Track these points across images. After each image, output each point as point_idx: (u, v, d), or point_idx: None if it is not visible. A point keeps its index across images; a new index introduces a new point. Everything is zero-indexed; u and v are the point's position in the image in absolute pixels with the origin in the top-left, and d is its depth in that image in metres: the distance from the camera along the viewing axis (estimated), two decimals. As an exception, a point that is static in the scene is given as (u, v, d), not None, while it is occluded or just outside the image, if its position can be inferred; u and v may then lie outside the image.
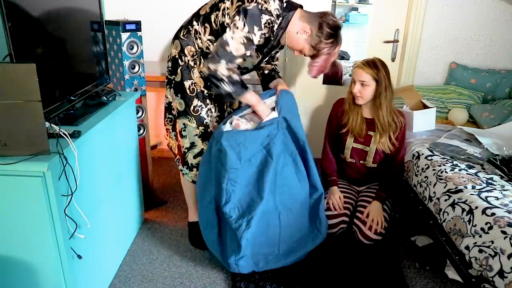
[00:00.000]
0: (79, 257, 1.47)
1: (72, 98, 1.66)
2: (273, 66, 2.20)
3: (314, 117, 3.29)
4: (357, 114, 2.18)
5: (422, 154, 2.18)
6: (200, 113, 1.99)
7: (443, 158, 2.09)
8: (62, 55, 1.64)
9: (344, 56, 4.42)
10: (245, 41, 1.74)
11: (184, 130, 2.04)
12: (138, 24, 2.17)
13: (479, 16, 2.95)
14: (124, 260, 2.05)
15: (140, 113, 2.33)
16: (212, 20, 1.86)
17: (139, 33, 2.18)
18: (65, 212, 1.37)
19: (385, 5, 3.03)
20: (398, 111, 2.23)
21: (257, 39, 1.76)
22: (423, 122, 2.49)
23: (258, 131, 1.86)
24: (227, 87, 1.79)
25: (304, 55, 1.91)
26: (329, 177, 2.29)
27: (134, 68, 2.22)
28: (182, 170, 2.14)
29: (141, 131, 2.38)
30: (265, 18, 1.74)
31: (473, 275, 1.57)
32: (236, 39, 1.74)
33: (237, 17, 1.73)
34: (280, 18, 1.81)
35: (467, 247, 1.59)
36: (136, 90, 2.25)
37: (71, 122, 1.58)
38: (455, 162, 2.04)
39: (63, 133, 1.38)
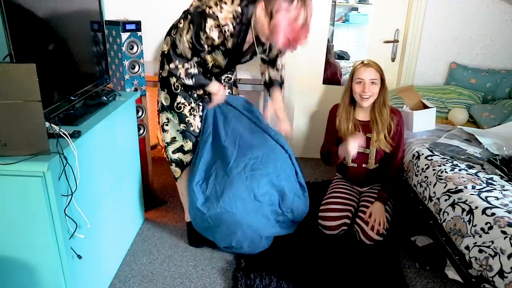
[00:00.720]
0: (79, 257, 1.47)
1: (72, 98, 1.66)
2: (275, 72, 2.13)
3: (314, 117, 3.29)
4: (350, 119, 2.19)
5: (422, 154, 2.18)
6: (183, 111, 2.02)
7: (443, 158, 2.09)
8: (62, 55, 1.63)
9: (344, 56, 4.43)
10: (191, 45, 1.76)
11: (167, 125, 2.09)
12: (138, 24, 2.17)
13: (479, 16, 2.95)
14: (124, 260, 2.05)
15: (140, 113, 2.33)
16: (188, 16, 1.86)
17: (139, 33, 2.18)
18: (65, 212, 1.37)
19: (385, 5, 3.03)
20: (394, 108, 2.24)
21: (204, 43, 1.75)
22: (423, 122, 2.49)
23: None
24: (187, 81, 1.89)
25: (270, 39, 1.71)
26: (331, 148, 2.23)
27: (134, 68, 2.22)
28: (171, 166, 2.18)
29: (141, 131, 2.38)
30: (210, 22, 1.70)
31: (473, 275, 1.57)
32: (182, 43, 1.77)
33: (182, 21, 1.75)
34: (238, 19, 1.74)
35: (467, 247, 1.59)
36: (136, 90, 2.25)
37: (71, 122, 1.58)
38: (455, 162, 2.04)
39: (63, 133, 1.38)
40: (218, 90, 2.00)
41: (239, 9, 1.73)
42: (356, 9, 4.76)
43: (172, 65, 1.86)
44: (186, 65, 1.85)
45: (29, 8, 1.38)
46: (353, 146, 2.01)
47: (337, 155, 2.17)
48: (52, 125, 1.40)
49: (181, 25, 1.78)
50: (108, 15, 2.72)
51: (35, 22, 1.42)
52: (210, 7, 1.71)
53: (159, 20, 2.85)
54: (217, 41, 1.78)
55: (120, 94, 2.03)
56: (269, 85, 2.14)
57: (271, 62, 2.11)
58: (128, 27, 2.13)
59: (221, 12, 1.70)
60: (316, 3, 2.95)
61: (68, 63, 1.68)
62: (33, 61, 1.19)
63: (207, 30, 1.72)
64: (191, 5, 1.85)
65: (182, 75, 1.86)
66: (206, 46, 1.80)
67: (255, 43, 1.86)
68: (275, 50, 2.05)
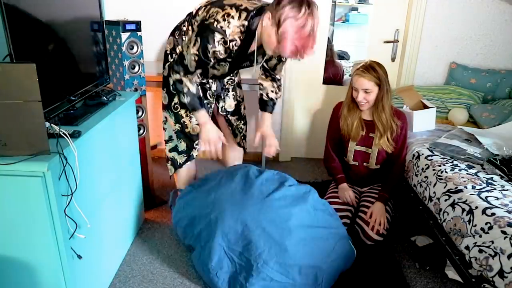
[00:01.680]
0: (79, 257, 1.47)
1: (72, 98, 1.66)
2: (272, 88, 2.13)
3: (314, 117, 3.29)
4: (355, 118, 2.18)
5: (422, 154, 2.18)
6: (179, 111, 2.04)
7: (443, 158, 2.09)
8: (62, 55, 1.64)
9: (344, 56, 4.43)
10: (197, 58, 1.75)
11: (165, 123, 2.15)
12: (138, 24, 2.17)
13: (479, 16, 2.95)
14: (124, 260, 2.05)
15: (140, 113, 2.33)
16: (193, 24, 1.87)
17: (139, 33, 2.18)
18: (65, 212, 1.37)
19: (385, 5, 3.03)
20: (399, 111, 2.23)
21: (210, 54, 1.74)
22: (423, 122, 2.49)
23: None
24: (183, 98, 1.90)
25: (277, 46, 1.68)
26: (336, 176, 2.31)
27: (134, 68, 2.22)
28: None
29: (141, 131, 2.38)
30: (218, 37, 1.69)
31: (473, 275, 1.57)
32: (189, 55, 1.76)
33: (191, 33, 1.75)
34: (244, 33, 1.74)
35: (467, 247, 1.59)
36: (136, 90, 2.25)
37: (71, 122, 1.58)
38: (455, 162, 2.04)
39: (63, 133, 1.38)
40: (204, 122, 1.95)
41: (245, 23, 1.71)
42: (356, 9, 4.77)
43: (177, 76, 1.86)
44: (188, 82, 1.85)
45: (29, 8, 1.38)
46: (348, 194, 2.21)
47: (336, 174, 2.31)
48: (52, 125, 1.40)
49: (187, 37, 1.78)
50: (108, 15, 2.72)
51: (35, 22, 1.42)
52: (218, 21, 1.68)
53: (159, 20, 2.86)
54: (223, 55, 1.78)
55: (120, 94, 2.03)
56: (263, 103, 2.14)
57: (271, 71, 2.10)
58: (128, 27, 2.13)
59: (228, 27, 1.68)
60: (316, 3, 2.97)
61: (68, 63, 1.68)
62: (33, 61, 1.19)
63: (215, 44, 1.71)
64: (197, 12, 1.83)
65: (184, 89, 1.87)
66: (212, 59, 1.79)
67: (255, 52, 1.86)
68: (274, 59, 2.05)
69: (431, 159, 2.10)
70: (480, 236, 1.54)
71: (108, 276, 1.88)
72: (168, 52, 2.01)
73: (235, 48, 1.77)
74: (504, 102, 2.81)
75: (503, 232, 1.46)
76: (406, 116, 2.24)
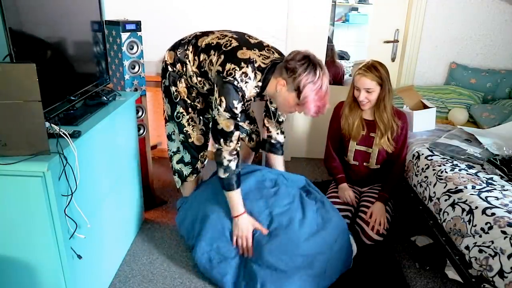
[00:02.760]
0: (79, 257, 1.47)
1: (72, 98, 1.66)
2: (277, 131, 2.17)
3: (315, 117, 3.28)
4: (356, 117, 2.18)
5: (422, 154, 2.18)
6: (181, 121, 2.02)
7: (443, 158, 2.09)
8: (62, 55, 1.64)
9: (344, 56, 4.43)
10: (228, 117, 1.74)
11: (173, 134, 2.11)
12: (138, 24, 2.17)
13: (479, 16, 2.95)
14: (124, 260, 2.05)
15: (140, 113, 2.33)
16: (201, 59, 1.87)
17: (139, 33, 2.18)
18: (65, 212, 1.37)
19: (385, 5, 3.03)
20: (399, 111, 2.23)
21: (239, 111, 1.75)
22: (423, 122, 2.48)
23: None
24: (221, 173, 1.82)
25: (295, 108, 1.78)
26: (336, 176, 2.31)
27: (134, 68, 2.22)
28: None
29: (141, 131, 2.38)
30: (240, 94, 1.72)
31: (473, 275, 1.57)
32: (222, 117, 1.74)
33: (216, 95, 1.74)
34: (258, 92, 1.81)
35: (467, 247, 1.59)
36: (136, 90, 2.25)
37: (71, 122, 1.58)
38: (455, 162, 2.04)
39: (63, 133, 1.38)
40: (239, 214, 1.84)
41: (260, 84, 1.77)
42: (356, 9, 4.77)
43: (216, 146, 1.81)
44: (228, 154, 1.80)
45: (29, 8, 1.38)
46: (348, 194, 2.21)
47: (336, 174, 2.31)
48: (52, 125, 1.40)
49: (216, 101, 1.75)
50: (108, 15, 2.72)
51: (35, 22, 1.42)
52: (237, 81, 1.70)
53: (159, 20, 2.86)
54: (239, 111, 1.77)
55: (120, 94, 2.03)
56: (272, 146, 2.18)
57: (275, 113, 2.12)
58: (128, 27, 2.13)
59: (246, 87, 1.73)
60: (316, 3, 2.97)
61: (68, 63, 1.68)
62: (33, 61, 1.19)
63: (239, 99, 1.72)
64: (207, 51, 1.83)
65: (224, 162, 1.80)
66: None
67: (268, 106, 2.03)
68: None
69: (431, 159, 2.10)
70: (480, 236, 1.54)
71: (108, 276, 1.88)
72: (168, 63, 1.97)
73: (248, 106, 1.89)
74: (504, 102, 2.80)
75: (503, 232, 1.46)
76: (406, 116, 2.24)
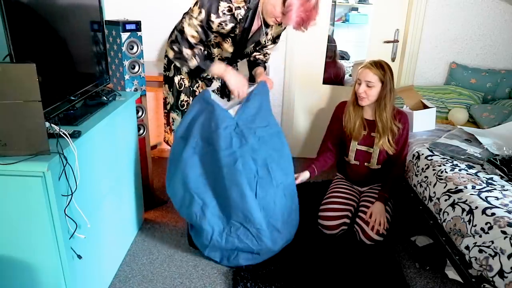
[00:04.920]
0: (79, 257, 1.47)
1: (72, 98, 1.66)
2: (262, 56, 2.16)
3: (314, 117, 3.29)
4: (358, 117, 2.18)
5: (422, 154, 2.18)
6: (186, 109, 2.03)
7: (443, 158, 2.09)
8: (62, 55, 1.63)
9: (344, 56, 4.42)
10: (200, 28, 1.72)
11: (173, 124, 2.12)
12: (138, 24, 2.17)
13: (479, 16, 2.95)
14: (124, 260, 2.05)
15: (140, 113, 2.33)
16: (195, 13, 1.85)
17: (139, 33, 2.18)
18: (65, 212, 1.37)
19: (385, 5, 3.03)
20: (401, 112, 2.23)
21: (214, 26, 1.73)
22: (423, 122, 2.49)
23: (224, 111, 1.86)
24: (194, 61, 1.82)
25: (282, 19, 1.75)
26: (311, 164, 2.27)
27: (134, 68, 2.22)
28: None
29: (141, 131, 2.38)
30: (223, 5, 1.69)
31: (473, 275, 1.57)
32: (191, 26, 1.73)
33: (194, 4, 1.72)
34: (248, 2, 1.76)
35: (467, 247, 1.59)
36: (136, 90, 2.25)
37: (71, 122, 1.58)
38: (455, 162, 2.04)
39: (63, 133, 1.38)
40: (225, 70, 1.86)
41: None
42: (356, 9, 4.76)
43: (176, 47, 1.80)
44: (190, 52, 1.80)
45: (29, 8, 1.38)
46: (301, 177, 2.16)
47: (312, 163, 2.27)
48: (52, 125, 1.39)
49: (190, 11, 1.73)
50: (108, 15, 2.72)
51: (35, 22, 1.42)
52: None
53: (159, 20, 2.86)
54: (228, 26, 1.75)
55: (120, 94, 2.03)
56: (253, 64, 2.15)
57: (263, 49, 2.13)
58: (128, 27, 2.12)
59: None
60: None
61: (68, 63, 1.68)
62: (33, 61, 1.19)
63: (220, 13, 1.69)
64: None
65: (189, 55, 1.80)
66: (213, 35, 1.76)
67: (263, 28, 1.88)
68: (269, 36, 2.06)
69: (431, 159, 2.10)
70: (480, 236, 1.54)
71: (108, 276, 1.88)
72: (171, 57, 2.00)
73: (240, 17, 1.78)
74: (504, 102, 2.81)
75: (503, 232, 1.46)
76: (407, 116, 2.24)
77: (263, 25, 1.88)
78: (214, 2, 1.69)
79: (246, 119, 1.87)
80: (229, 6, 1.70)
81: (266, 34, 1.96)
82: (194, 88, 2.07)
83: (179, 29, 1.81)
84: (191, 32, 1.76)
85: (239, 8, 1.74)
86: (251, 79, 2.16)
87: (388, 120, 2.12)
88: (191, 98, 2.05)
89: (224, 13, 1.72)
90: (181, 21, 1.92)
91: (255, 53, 2.16)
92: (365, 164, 2.26)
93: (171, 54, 1.91)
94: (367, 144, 2.22)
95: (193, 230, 2.03)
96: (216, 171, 1.84)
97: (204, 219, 1.85)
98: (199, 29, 1.75)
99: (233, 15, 1.74)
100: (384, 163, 2.25)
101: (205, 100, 1.86)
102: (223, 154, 1.80)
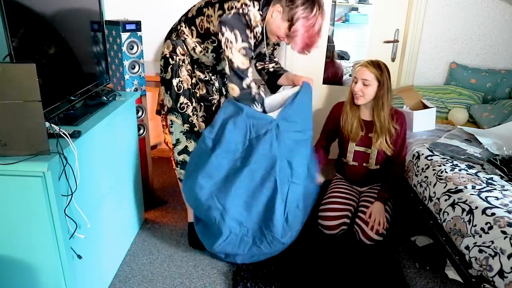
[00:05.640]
0: (79, 257, 1.47)
1: (72, 98, 1.66)
2: (275, 64, 2.18)
3: (314, 117, 3.26)
4: (355, 117, 2.18)
5: (422, 154, 2.18)
6: (186, 111, 2.03)
7: (443, 158, 2.09)
8: (62, 55, 1.63)
9: (344, 56, 4.42)
10: (244, 51, 1.75)
11: (172, 127, 2.10)
12: (138, 24, 2.17)
13: (479, 16, 2.95)
14: (124, 260, 2.05)
15: (140, 113, 2.33)
16: (197, 24, 1.91)
17: (139, 33, 2.18)
18: (65, 212, 1.37)
19: (385, 5, 3.03)
20: (398, 112, 2.23)
21: (252, 42, 1.77)
22: (423, 122, 2.49)
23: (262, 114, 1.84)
24: (257, 107, 1.85)
25: (285, 38, 1.80)
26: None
27: (134, 68, 2.22)
28: (175, 169, 2.17)
29: (141, 131, 2.38)
30: (247, 19, 1.74)
31: (473, 275, 1.57)
32: (236, 53, 1.75)
33: (225, 32, 1.74)
34: (262, 21, 1.81)
35: (467, 247, 1.59)
36: (136, 90, 2.25)
37: (71, 122, 1.58)
38: (455, 162, 2.04)
39: (63, 133, 1.38)
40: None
41: (260, 12, 1.78)
42: (356, 9, 4.76)
43: (238, 85, 1.79)
44: (253, 83, 1.82)
45: (29, 8, 1.38)
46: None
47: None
48: (52, 125, 1.40)
49: (227, 41, 1.74)
50: (108, 15, 2.72)
51: (35, 22, 1.42)
52: (241, 10, 1.72)
53: (159, 20, 2.85)
54: (252, 43, 1.79)
55: (120, 94, 2.03)
56: (275, 75, 2.14)
57: (269, 57, 2.15)
58: (128, 27, 2.12)
59: (250, 12, 1.74)
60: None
61: (68, 63, 1.68)
62: (33, 61, 1.19)
63: (250, 27, 1.74)
64: (200, 12, 1.84)
65: (256, 97, 1.83)
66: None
67: (265, 41, 1.92)
68: (270, 46, 2.11)
69: (431, 159, 2.10)
70: (480, 236, 1.54)
71: (108, 276, 1.88)
72: (168, 55, 2.00)
73: (258, 35, 1.83)
74: (504, 102, 2.81)
75: (503, 232, 1.46)
76: (405, 116, 2.24)
77: (265, 39, 1.92)
78: (240, 21, 1.73)
79: (287, 122, 1.86)
80: (250, 21, 1.76)
81: (268, 44, 2.00)
82: (195, 90, 2.07)
83: (227, 63, 1.79)
84: (239, 58, 1.76)
85: (257, 26, 1.80)
86: (274, 90, 2.16)
87: (386, 120, 2.12)
88: (193, 101, 2.05)
89: (249, 27, 1.77)
90: (175, 32, 1.95)
91: (270, 65, 2.16)
92: (364, 164, 2.26)
93: (169, 74, 1.96)
94: (365, 145, 2.21)
95: (202, 227, 2.00)
96: (246, 175, 1.81)
97: (224, 224, 1.82)
98: (243, 51, 1.76)
99: (254, 34, 1.81)
100: (383, 163, 2.25)
101: (236, 105, 1.85)
102: (259, 158, 1.80)
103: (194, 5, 1.97)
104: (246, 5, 1.74)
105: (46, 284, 1.43)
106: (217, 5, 1.81)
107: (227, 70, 1.83)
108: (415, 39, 3.00)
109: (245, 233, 1.86)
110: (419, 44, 3.02)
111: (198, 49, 1.96)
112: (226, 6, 1.77)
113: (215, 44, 1.94)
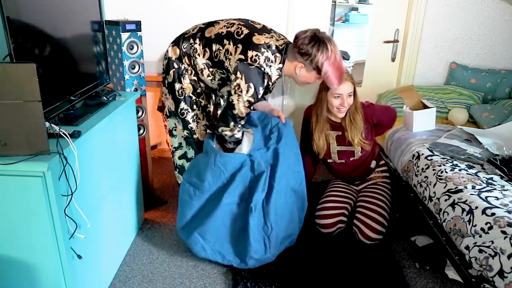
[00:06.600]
0: (79, 257, 1.47)
1: (72, 98, 1.66)
2: None
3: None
4: (322, 132, 2.20)
5: (422, 154, 2.18)
6: (186, 117, 2.05)
7: (443, 158, 2.09)
8: (62, 55, 1.64)
9: (344, 56, 4.42)
10: (249, 104, 1.85)
11: (175, 130, 2.14)
12: (138, 24, 2.17)
13: (479, 16, 2.95)
14: (124, 260, 2.05)
15: (140, 113, 2.33)
16: (213, 49, 1.92)
17: (139, 33, 2.18)
18: (65, 212, 1.37)
19: (385, 5, 3.03)
20: (365, 104, 2.24)
21: (260, 94, 1.87)
22: (423, 122, 2.48)
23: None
24: (229, 145, 1.97)
25: (319, 81, 1.97)
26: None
27: (134, 68, 2.22)
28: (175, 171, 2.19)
29: (141, 131, 2.38)
30: (266, 80, 1.84)
31: (473, 275, 1.57)
32: (241, 102, 1.83)
33: (239, 79, 1.80)
34: (280, 71, 1.91)
35: (467, 247, 1.59)
36: (136, 90, 2.25)
37: (71, 122, 1.58)
38: (455, 162, 2.04)
39: (63, 133, 1.38)
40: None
41: (281, 66, 1.87)
42: (356, 9, 4.75)
43: (226, 128, 1.91)
44: (238, 127, 1.92)
45: (29, 8, 1.38)
46: None
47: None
48: (52, 125, 1.40)
49: (237, 87, 1.82)
50: (108, 15, 2.72)
51: (35, 22, 1.42)
52: (264, 67, 1.81)
53: (159, 20, 2.86)
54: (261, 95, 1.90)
55: (120, 94, 2.03)
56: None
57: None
58: (128, 27, 2.12)
59: (272, 72, 1.85)
60: (316, 3, 2.97)
61: (68, 63, 1.68)
62: (33, 61, 1.19)
63: (264, 85, 1.84)
64: (235, 50, 1.85)
65: (230, 139, 1.96)
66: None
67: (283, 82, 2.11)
68: None
69: (431, 159, 2.10)
70: (480, 236, 1.54)
71: (108, 276, 1.88)
72: (173, 59, 2.01)
73: (270, 88, 1.95)
74: (504, 102, 2.81)
75: (503, 232, 1.46)
76: (370, 103, 2.27)
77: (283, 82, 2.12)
78: (259, 78, 1.82)
79: (257, 146, 1.96)
80: (268, 80, 1.86)
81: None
82: (199, 99, 2.09)
83: (228, 104, 1.89)
84: (242, 108, 1.86)
85: (275, 82, 1.91)
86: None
87: (361, 119, 2.16)
88: (195, 108, 2.06)
89: (264, 84, 1.86)
90: (187, 43, 1.97)
91: None
92: (351, 159, 2.26)
93: (171, 77, 2.02)
94: (347, 144, 2.22)
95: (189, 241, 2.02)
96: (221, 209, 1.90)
97: (207, 256, 1.96)
98: (248, 104, 1.87)
99: (268, 88, 1.93)
100: (367, 157, 2.28)
101: (208, 149, 1.97)
102: (237, 194, 1.91)
103: (214, 27, 1.95)
104: (269, 60, 1.81)
105: (46, 284, 1.43)
106: (240, 47, 1.83)
107: (223, 107, 1.96)
108: (415, 39, 3.00)
109: (230, 260, 1.95)
110: (419, 44, 3.03)
111: (206, 72, 1.98)
112: (249, 54, 1.80)
113: (224, 76, 1.96)
